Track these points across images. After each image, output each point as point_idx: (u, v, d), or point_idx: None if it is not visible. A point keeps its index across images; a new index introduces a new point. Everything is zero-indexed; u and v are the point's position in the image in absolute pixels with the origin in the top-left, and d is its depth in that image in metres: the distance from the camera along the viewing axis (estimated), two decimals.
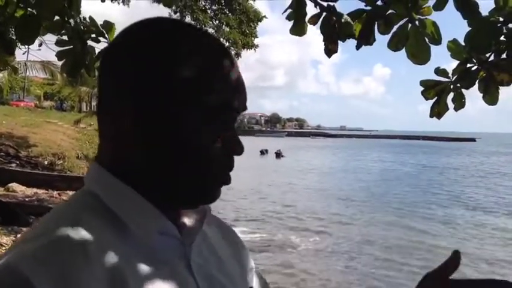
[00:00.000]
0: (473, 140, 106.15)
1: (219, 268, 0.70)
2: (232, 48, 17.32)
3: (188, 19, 17.13)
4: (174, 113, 0.59)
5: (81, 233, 0.55)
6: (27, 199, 9.65)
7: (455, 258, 0.67)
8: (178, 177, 0.62)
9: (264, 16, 18.09)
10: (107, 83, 0.63)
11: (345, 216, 13.83)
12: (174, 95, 0.59)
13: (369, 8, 1.87)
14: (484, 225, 13.13)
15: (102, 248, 0.55)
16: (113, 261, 0.55)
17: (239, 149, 0.64)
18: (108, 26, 1.91)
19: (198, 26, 0.70)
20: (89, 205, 0.61)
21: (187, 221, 0.68)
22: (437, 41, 1.65)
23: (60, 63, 1.97)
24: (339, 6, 1.94)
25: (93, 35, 1.90)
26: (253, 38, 17.90)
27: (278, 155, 40.25)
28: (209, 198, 0.65)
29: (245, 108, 0.66)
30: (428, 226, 12.69)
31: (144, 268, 0.58)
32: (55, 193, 10.54)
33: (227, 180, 0.65)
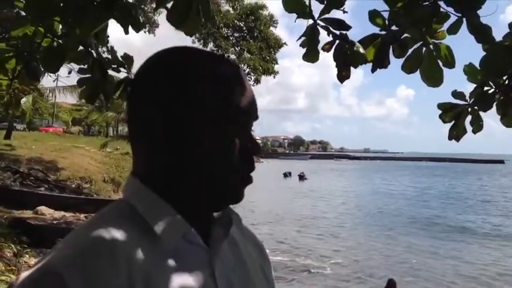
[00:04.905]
0: (501, 162, 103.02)
1: (243, 279, 0.73)
2: (252, 74, 17.58)
3: (211, 45, 17.54)
4: (193, 119, 0.67)
5: (111, 239, 0.61)
6: (55, 222, 9.83)
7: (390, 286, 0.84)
8: (202, 178, 0.68)
9: (285, 43, 18.31)
10: (136, 101, 0.71)
11: (365, 240, 13.55)
12: (193, 106, 0.67)
13: (383, 32, 1.89)
14: None
15: (130, 253, 0.61)
16: (139, 266, 0.60)
17: (256, 148, 0.71)
18: (128, 58, 2.05)
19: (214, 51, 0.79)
20: (122, 214, 0.67)
21: (215, 229, 0.73)
22: (450, 64, 1.66)
23: None
24: (355, 31, 1.97)
25: (114, 65, 1.99)
26: (273, 65, 18.12)
27: (301, 177, 40.02)
28: (234, 198, 0.71)
29: (257, 116, 0.74)
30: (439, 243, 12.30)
31: (169, 275, 0.63)
32: (82, 216, 10.69)
33: (249, 180, 0.71)
